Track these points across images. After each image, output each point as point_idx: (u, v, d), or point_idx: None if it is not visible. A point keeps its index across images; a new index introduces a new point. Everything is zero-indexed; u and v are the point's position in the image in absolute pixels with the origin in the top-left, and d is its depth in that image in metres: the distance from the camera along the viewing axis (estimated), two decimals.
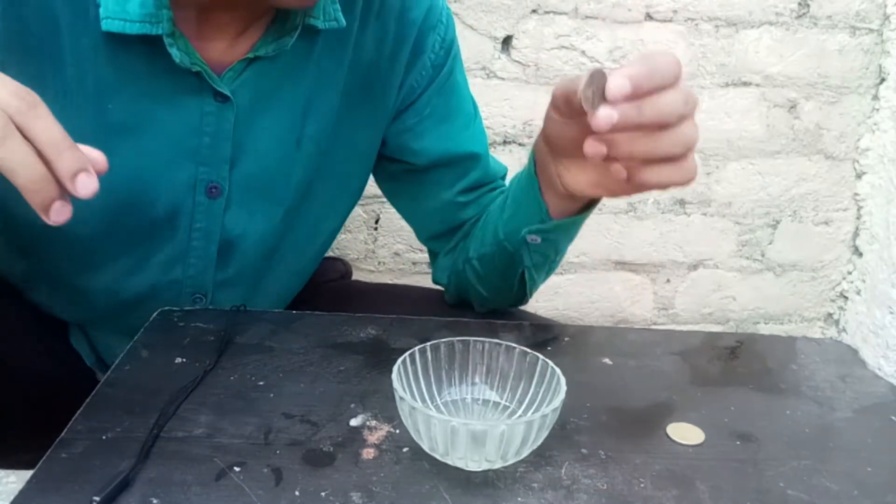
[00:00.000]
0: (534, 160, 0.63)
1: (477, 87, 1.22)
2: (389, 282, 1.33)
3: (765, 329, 1.46)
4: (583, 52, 1.23)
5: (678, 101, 0.46)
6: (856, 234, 1.40)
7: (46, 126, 0.40)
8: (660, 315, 1.43)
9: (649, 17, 1.23)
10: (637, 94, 0.45)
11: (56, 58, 0.57)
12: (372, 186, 0.83)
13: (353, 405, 0.54)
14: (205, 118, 0.63)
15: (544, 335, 0.68)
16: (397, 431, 0.51)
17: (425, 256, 1.22)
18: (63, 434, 0.48)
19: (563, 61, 1.23)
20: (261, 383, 0.57)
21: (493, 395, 0.54)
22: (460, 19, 1.18)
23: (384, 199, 0.87)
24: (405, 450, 0.50)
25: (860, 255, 1.39)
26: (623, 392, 0.59)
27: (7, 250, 0.68)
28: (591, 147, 0.49)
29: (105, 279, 0.68)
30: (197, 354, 0.60)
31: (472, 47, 1.20)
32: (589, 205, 0.63)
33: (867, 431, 0.56)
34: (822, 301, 1.45)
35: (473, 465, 0.46)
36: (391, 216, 1.28)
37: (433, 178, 0.76)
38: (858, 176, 1.36)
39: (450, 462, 0.46)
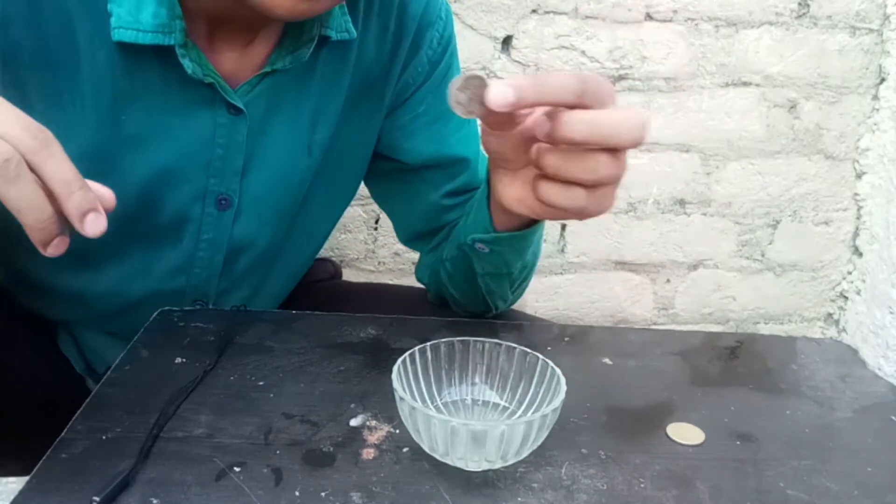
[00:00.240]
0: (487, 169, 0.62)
1: None
2: (388, 282, 1.33)
3: (765, 329, 1.46)
4: (583, 52, 1.23)
5: (583, 126, 0.44)
6: (856, 234, 1.40)
7: (59, 166, 0.40)
8: (660, 315, 1.43)
9: (649, 17, 1.23)
10: (520, 105, 0.43)
11: (73, 73, 0.57)
12: None
13: (353, 405, 0.54)
14: (217, 130, 0.62)
15: (544, 335, 0.68)
16: (397, 431, 0.51)
17: None
18: (63, 434, 0.48)
19: (563, 61, 1.23)
20: (261, 383, 0.57)
21: (493, 396, 0.54)
22: (460, 19, 1.18)
23: None
24: (405, 450, 0.49)
25: (860, 255, 1.39)
26: (623, 392, 0.59)
27: (6, 250, 0.68)
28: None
29: (106, 284, 0.68)
30: (197, 354, 0.60)
31: (472, 47, 1.20)
32: (531, 223, 0.61)
33: (867, 431, 0.56)
34: (822, 301, 1.45)
35: (473, 465, 0.46)
36: None
37: (421, 179, 0.75)
38: (858, 176, 1.36)
39: (450, 462, 0.46)
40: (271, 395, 0.55)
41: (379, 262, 1.33)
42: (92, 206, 0.41)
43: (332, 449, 0.49)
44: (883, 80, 1.30)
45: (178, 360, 0.59)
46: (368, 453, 0.49)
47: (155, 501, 0.43)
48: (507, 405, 0.53)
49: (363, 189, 0.81)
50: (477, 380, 0.54)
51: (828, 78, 1.29)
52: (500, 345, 0.53)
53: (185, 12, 0.56)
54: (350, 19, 0.64)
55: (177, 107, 0.60)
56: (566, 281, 1.38)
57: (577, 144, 0.45)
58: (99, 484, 0.43)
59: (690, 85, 1.27)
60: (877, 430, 0.57)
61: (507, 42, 1.22)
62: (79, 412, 0.51)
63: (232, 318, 0.66)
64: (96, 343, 0.76)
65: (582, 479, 0.48)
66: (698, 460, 0.51)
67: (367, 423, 0.52)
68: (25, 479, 0.44)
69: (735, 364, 0.66)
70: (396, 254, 1.32)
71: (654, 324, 1.43)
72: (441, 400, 0.53)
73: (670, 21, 1.24)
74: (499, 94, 0.43)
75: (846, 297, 1.43)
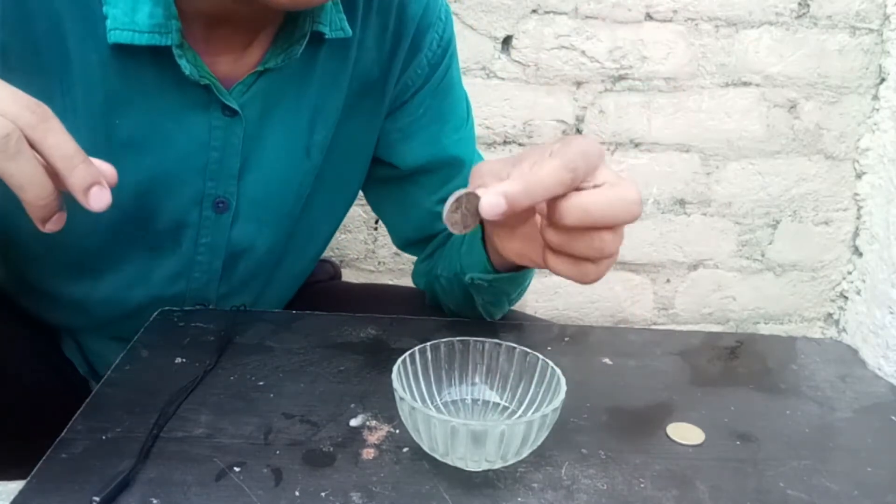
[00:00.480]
0: None
1: (477, 87, 1.23)
2: (388, 282, 1.33)
3: (765, 329, 1.46)
4: (583, 52, 1.23)
5: (578, 212, 0.44)
6: (856, 234, 1.40)
7: (59, 140, 0.40)
8: (660, 315, 1.43)
9: (649, 17, 1.23)
10: (514, 210, 0.43)
11: (64, 76, 0.56)
12: None
13: (353, 405, 0.54)
14: (213, 133, 0.62)
15: (544, 335, 0.68)
16: (397, 431, 0.51)
17: None
18: (63, 434, 0.48)
19: (563, 61, 1.23)
20: (261, 383, 0.57)
21: (493, 396, 0.54)
22: (460, 19, 1.18)
23: None
24: (405, 450, 0.49)
25: (860, 255, 1.39)
26: (623, 392, 0.59)
27: (5, 257, 0.68)
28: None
29: (106, 290, 0.68)
30: (197, 354, 0.60)
31: (472, 47, 1.20)
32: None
33: (867, 431, 0.56)
34: (822, 301, 1.45)
35: (473, 465, 0.46)
36: None
37: (415, 184, 0.74)
38: (858, 176, 1.36)
39: (450, 462, 0.46)
40: (271, 395, 0.55)
41: (379, 263, 1.33)
42: (95, 180, 0.41)
43: (332, 449, 0.49)
44: (883, 80, 1.30)
45: (178, 360, 0.59)
46: (368, 453, 0.49)
47: (155, 501, 0.43)
48: (507, 405, 0.53)
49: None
50: (477, 380, 0.54)
51: (828, 78, 1.29)
52: (500, 345, 0.53)
53: (181, 14, 0.55)
54: (346, 18, 0.63)
55: (171, 110, 0.60)
56: (566, 281, 1.37)
57: (576, 228, 0.45)
58: (99, 484, 0.43)
59: (690, 85, 1.27)
60: (877, 430, 0.57)
61: (507, 42, 1.22)
62: (79, 412, 0.51)
63: (232, 318, 0.66)
64: (99, 347, 0.76)
65: (582, 479, 0.48)
66: (698, 460, 0.51)
67: (367, 423, 0.52)
68: (25, 479, 0.44)
69: (735, 364, 0.66)
70: (396, 254, 1.32)
71: (654, 324, 1.43)
72: (441, 400, 0.53)
73: (670, 21, 1.24)
74: (491, 205, 0.43)
75: (846, 297, 1.43)
